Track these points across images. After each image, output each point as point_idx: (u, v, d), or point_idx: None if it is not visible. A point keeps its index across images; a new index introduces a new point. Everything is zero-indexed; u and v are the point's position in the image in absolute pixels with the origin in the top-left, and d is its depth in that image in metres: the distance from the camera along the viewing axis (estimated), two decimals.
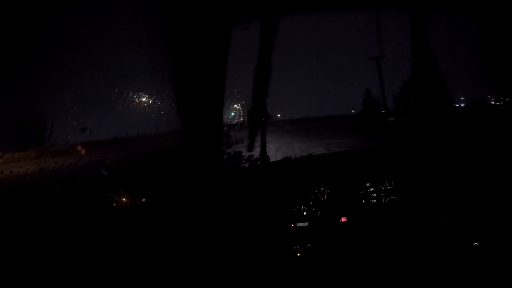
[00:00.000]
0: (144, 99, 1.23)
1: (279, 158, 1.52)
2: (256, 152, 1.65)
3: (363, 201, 1.33)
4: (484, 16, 1.46)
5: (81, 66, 1.03)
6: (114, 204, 1.08)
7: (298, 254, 1.24)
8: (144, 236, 1.05)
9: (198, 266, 1.10)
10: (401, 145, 1.59)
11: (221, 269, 1.14)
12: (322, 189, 1.33)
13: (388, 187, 1.34)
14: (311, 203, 1.31)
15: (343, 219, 1.31)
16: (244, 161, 1.67)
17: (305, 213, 1.31)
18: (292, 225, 1.29)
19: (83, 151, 0.95)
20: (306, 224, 1.29)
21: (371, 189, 1.34)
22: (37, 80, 0.91)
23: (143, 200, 1.15)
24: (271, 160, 1.51)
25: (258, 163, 1.48)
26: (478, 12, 1.45)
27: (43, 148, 0.86)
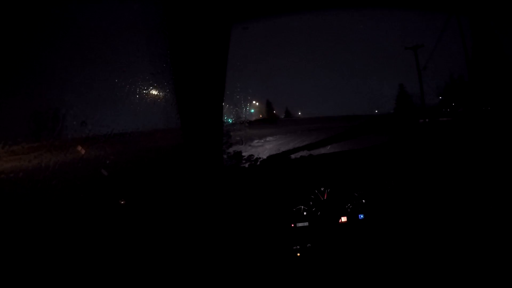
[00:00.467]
0: (145, 99, 1.23)
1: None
2: (257, 152, 1.64)
3: (363, 201, 1.33)
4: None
5: (82, 66, 1.03)
6: (114, 204, 1.08)
7: (298, 254, 1.24)
8: (143, 236, 1.05)
9: (198, 266, 1.10)
10: (402, 144, 1.58)
11: (221, 269, 1.14)
12: (322, 189, 1.33)
13: (388, 187, 1.34)
14: (311, 203, 1.31)
15: (343, 219, 1.31)
16: (244, 161, 1.66)
17: (305, 213, 1.31)
18: (292, 225, 1.29)
19: (83, 151, 0.95)
20: (306, 224, 1.29)
21: (372, 189, 1.34)
22: (41, 78, 0.91)
23: (143, 199, 1.15)
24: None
25: (258, 163, 1.48)
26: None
27: (44, 143, 0.86)
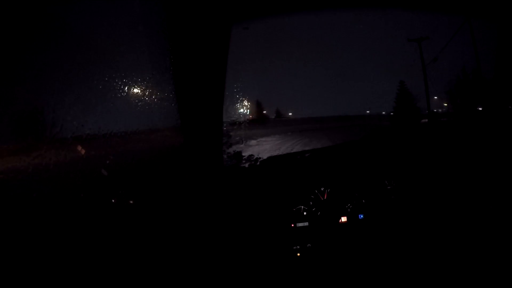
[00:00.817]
0: (145, 99, 1.23)
1: None
2: (256, 152, 1.65)
3: (363, 201, 1.33)
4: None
5: (82, 66, 1.03)
6: (114, 204, 1.08)
7: (298, 254, 1.24)
8: (143, 236, 1.05)
9: (198, 266, 1.10)
10: (402, 143, 1.58)
11: (221, 269, 1.14)
12: (322, 189, 1.33)
13: (388, 187, 1.34)
14: (311, 203, 1.31)
15: (343, 219, 1.31)
16: (244, 161, 1.67)
17: (305, 213, 1.31)
18: (292, 225, 1.29)
19: (83, 151, 0.95)
20: (306, 224, 1.29)
21: (371, 189, 1.34)
22: (41, 79, 0.91)
23: (143, 199, 1.15)
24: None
25: (258, 163, 1.48)
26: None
27: (44, 143, 0.86)
